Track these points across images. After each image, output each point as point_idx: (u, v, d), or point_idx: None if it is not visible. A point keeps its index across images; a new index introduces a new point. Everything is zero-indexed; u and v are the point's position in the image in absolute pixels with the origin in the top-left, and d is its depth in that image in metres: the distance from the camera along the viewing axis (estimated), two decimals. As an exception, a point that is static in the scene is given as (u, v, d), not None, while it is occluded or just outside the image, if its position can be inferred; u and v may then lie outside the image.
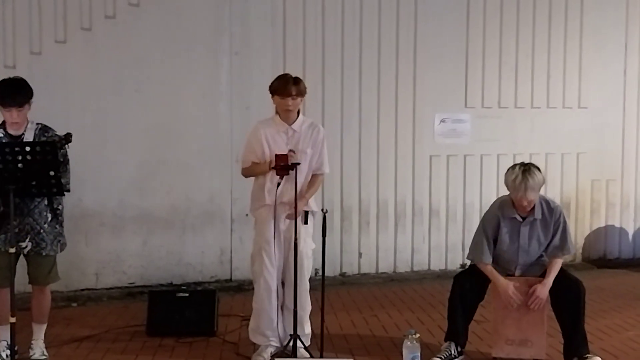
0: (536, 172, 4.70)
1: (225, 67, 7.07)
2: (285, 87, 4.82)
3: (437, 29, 7.54)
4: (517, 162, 4.95)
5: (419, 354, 4.65)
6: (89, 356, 5.12)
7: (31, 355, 4.84)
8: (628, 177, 8.21)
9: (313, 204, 5.02)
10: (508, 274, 4.91)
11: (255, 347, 5.05)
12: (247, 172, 5.01)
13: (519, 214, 4.81)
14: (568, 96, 7.97)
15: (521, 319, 4.86)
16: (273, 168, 4.72)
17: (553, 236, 4.86)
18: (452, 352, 4.87)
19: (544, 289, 4.77)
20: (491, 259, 4.87)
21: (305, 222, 4.92)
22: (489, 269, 4.86)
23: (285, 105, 4.81)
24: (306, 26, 7.27)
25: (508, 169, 4.81)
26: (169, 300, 5.61)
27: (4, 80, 4.67)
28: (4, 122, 4.68)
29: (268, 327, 4.94)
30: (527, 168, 4.70)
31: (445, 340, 4.96)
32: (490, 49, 7.73)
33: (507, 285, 4.81)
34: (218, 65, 7.06)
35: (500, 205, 4.90)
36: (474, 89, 7.72)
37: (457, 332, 4.91)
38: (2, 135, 4.64)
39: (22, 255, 4.71)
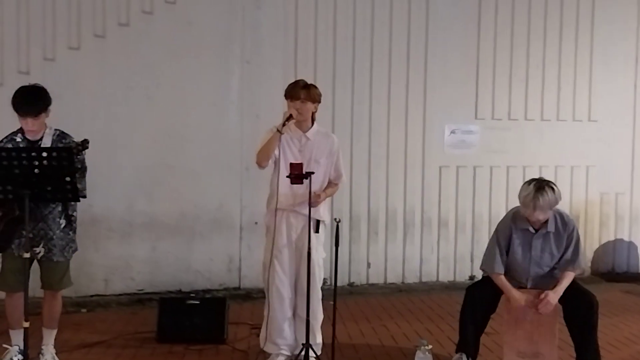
0: (549, 192, 4.63)
1: (236, 75, 7.10)
2: (294, 90, 4.85)
3: (448, 39, 7.56)
4: (527, 174, 4.96)
5: (431, 365, 4.64)
6: (99, 362, 5.13)
7: (42, 361, 4.84)
8: (637, 190, 8.19)
9: (325, 213, 5.02)
10: (520, 286, 4.90)
11: (266, 355, 5.04)
12: (260, 154, 4.81)
13: (532, 227, 4.81)
14: (578, 109, 7.97)
15: (533, 332, 4.84)
16: (288, 177, 4.72)
17: (565, 250, 4.85)
18: (464, 361, 4.87)
19: (555, 295, 4.75)
20: (504, 270, 4.86)
21: (317, 231, 4.92)
22: (502, 280, 4.85)
23: (294, 108, 4.81)
24: (317, 35, 7.30)
25: (524, 183, 4.79)
26: (179, 307, 5.61)
27: (21, 88, 4.66)
28: (22, 127, 4.69)
29: (279, 335, 4.94)
30: (541, 186, 4.64)
31: (457, 352, 4.94)
32: (500, 61, 7.74)
33: (519, 297, 4.80)
34: (229, 74, 7.08)
35: (514, 216, 4.90)
36: (484, 100, 7.74)
37: (468, 344, 4.90)
38: (20, 140, 4.66)
39: (35, 260, 4.71)
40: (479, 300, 4.87)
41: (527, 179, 4.91)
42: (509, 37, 7.75)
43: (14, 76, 6.37)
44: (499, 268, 4.85)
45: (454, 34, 7.59)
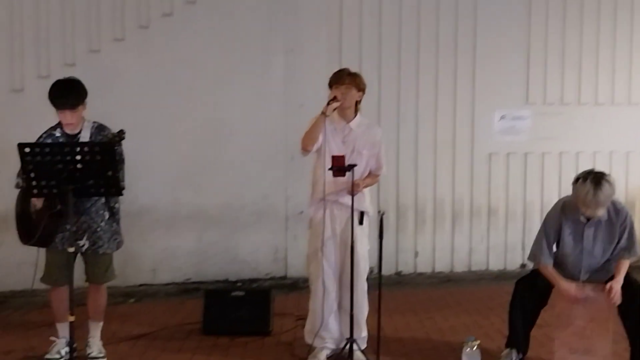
0: (606, 185, 4.43)
1: (280, 64, 7.03)
2: (339, 76, 4.77)
3: (497, 22, 7.36)
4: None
5: (479, 361, 4.53)
6: (145, 354, 5.14)
7: (89, 354, 4.88)
8: (696, 176, 7.88)
9: (369, 205, 4.93)
10: (573, 279, 4.73)
11: (310, 348, 4.99)
12: (305, 137, 4.75)
13: (583, 216, 4.63)
14: (634, 92, 7.68)
15: (585, 328, 4.68)
16: (329, 169, 4.64)
17: (620, 238, 4.67)
18: (514, 359, 4.73)
19: (617, 284, 4.58)
20: (552, 261, 4.70)
21: (361, 223, 4.84)
22: (550, 271, 4.70)
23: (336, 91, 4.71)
24: (362, 22, 7.17)
25: (579, 179, 4.53)
26: (224, 300, 5.60)
27: (57, 82, 4.65)
28: (60, 121, 4.69)
29: (324, 328, 4.87)
30: (598, 181, 4.42)
31: (506, 347, 4.82)
32: (552, 43, 7.51)
33: (568, 287, 4.64)
34: (272, 63, 7.03)
35: (564, 206, 4.72)
36: (536, 84, 7.52)
37: (517, 339, 4.77)
38: (59, 135, 4.67)
39: (79, 254, 4.74)
40: (529, 293, 4.73)
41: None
42: (561, 19, 7.51)
43: (61, 68, 6.41)
44: (546, 259, 4.69)
45: (503, 16, 7.38)
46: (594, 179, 4.45)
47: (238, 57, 6.90)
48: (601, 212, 4.52)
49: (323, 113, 4.65)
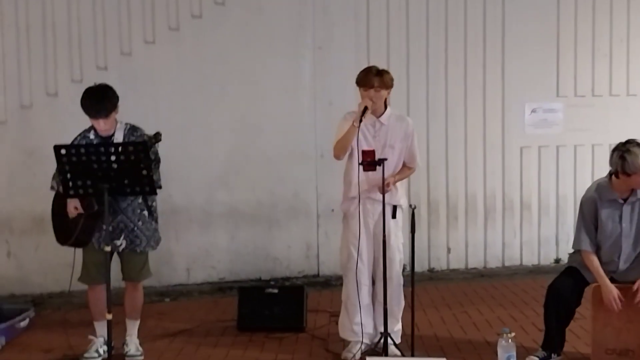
0: None
1: (309, 62, 7.06)
2: (367, 77, 4.75)
3: (526, 14, 7.31)
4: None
5: (514, 354, 4.49)
6: (183, 350, 5.20)
7: (126, 352, 4.95)
8: None
9: (402, 198, 4.93)
10: (611, 270, 4.65)
11: (345, 343, 5.01)
12: (337, 147, 4.79)
13: (620, 196, 4.57)
14: (667, 82, 7.59)
15: (621, 328, 4.60)
16: (360, 164, 4.65)
17: None
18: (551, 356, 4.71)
19: None
20: (594, 248, 4.61)
21: (394, 217, 4.84)
22: (595, 265, 4.58)
23: (367, 97, 4.72)
24: (390, 18, 7.17)
25: (621, 149, 4.49)
26: (258, 297, 5.65)
27: (88, 90, 4.68)
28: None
29: (358, 323, 4.88)
30: (638, 144, 4.44)
31: (542, 348, 4.77)
32: (582, 34, 7.44)
33: (611, 288, 4.52)
34: (301, 61, 7.06)
35: (598, 188, 4.64)
36: (566, 76, 7.45)
37: (553, 341, 4.72)
38: (93, 138, 4.73)
39: (115, 253, 4.80)
40: (562, 295, 4.64)
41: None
42: (591, 9, 7.44)
43: (93, 72, 6.51)
44: (586, 245, 4.61)
45: (531, 7, 7.33)
46: (636, 144, 4.45)
47: (267, 55, 6.94)
48: None
49: (354, 124, 4.64)
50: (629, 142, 4.52)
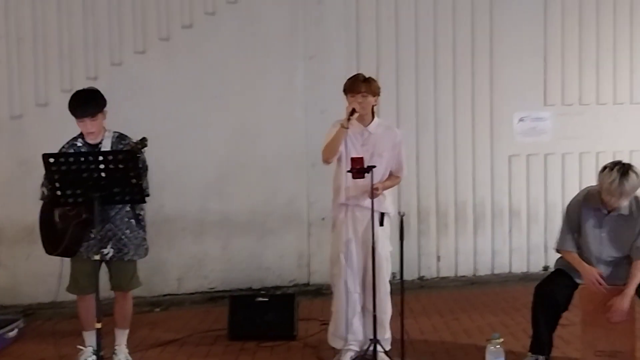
0: (633, 176, 4.44)
1: (300, 71, 7.10)
2: (354, 84, 4.81)
3: (514, 24, 7.38)
4: (601, 160, 4.81)
5: (503, 359, 4.52)
6: (173, 360, 5.21)
7: (115, 361, 4.95)
8: None
9: (390, 206, 4.96)
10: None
11: (335, 351, 5.03)
12: (326, 150, 4.81)
13: (605, 208, 4.64)
14: (653, 90, 7.68)
15: (611, 330, 4.64)
16: (349, 171, 4.69)
17: (638, 235, 4.62)
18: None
19: (623, 301, 4.52)
20: (576, 249, 4.70)
21: (381, 224, 4.87)
22: (573, 256, 4.69)
23: (355, 102, 4.76)
24: (379, 27, 7.23)
25: (605, 168, 4.54)
26: (249, 305, 5.66)
27: (76, 92, 4.75)
28: (82, 132, 4.77)
29: (348, 331, 4.91)
30: (625, 171, 4.43)
31: (530, 351, 4.81)
32: (569, 44, 7.51)
33: (591, 270, 4.60)
34: (293, 70, 7.09)
35: (587, 195, 4.71)
36: (554, 85, 7.52)
37: (541, 344, 4.75)
38: (81, 145, 4.75)
39: (103, 263, 4.78)
40: (549, 297, 4.69)
41: (601, 165, 4.71)
42: (577, 19, 7.51)
43: (83, 82, 6.45)
44: (569, 245, 4.70)
45: (519, 18, 7.40)
46: (620, 168, 4.46)
47: (260, 65, 6.97)
48: (624, 203, 4.51)
49: (342, 126, 4.69)
50: (624, 165, 4.52)
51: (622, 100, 7.63)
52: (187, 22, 6.88)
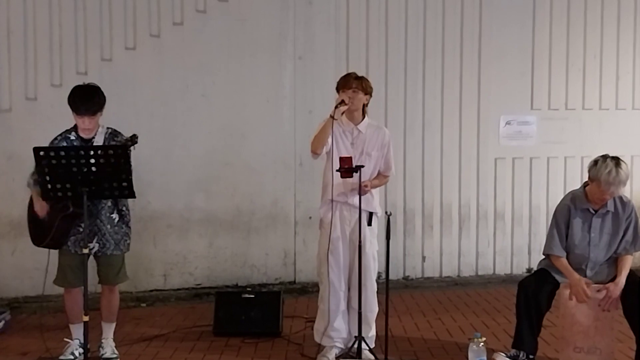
0: (623, 165, 4.64)
1: (289, 71, 7.14)
2: (346, 80, 4.88)
3: (502, 28, 7.46)
4: (585, 164, 4.90)
5: (485, 358, 4.60)
6: (158, 355, 5.23)
7: (102, 354, 4.98)
8: (702, 179, 7.92)
9: (377, 206, 5.02)
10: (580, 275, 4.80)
11: (319, 348, 5.08)
12: (314, 141, 4.82)
13: (592, 207, 4.74)
14: (638, 97, 7.76)
15: (589, 327, 4.75)
16: (337, 170, 4.74)
17: (625, 231, 4.79)
18: (521, 356, 4.81)
19: (616, 288, 4.67)
20: (564, 253, 4.80)
21: (369, 224, 4.93)
22: (563, 263, 4.78)
23: (345, 96, 4.81)
24: (369, 29, 7.28)
25: (597, 161, 4.66)
26: (235, 301, 5.70)
27: (78, 87, 4.77)
28: (75, 125, 4.80)
29: (333, 328, 4.96)
30: (617, 161, 4.61)
31: (512, 347, 4.89)
32: (557, 50, 7.59)
33: (579, 280, 4.71)
34: (282, 70, 7.13)
35: (573, 197, 4.85)
36: (541, 90, 7.60)
37: (523, 340, 4.83)
38: (74, 139, 4.78)
39: (92, 256, 4.82)
40: (532, 295, 4.79)
41: (586, 169, 4.83)
42: (565, 25, 7.59)
43: (73, 77, 6.53)
44: (558, 250, 4.80)
45: (508, 23, 7.48)
46: (612, 159, 4.62)
47: (249, 64, 7.01)
48: (619, 192, 4.64)
49: (331, 116, 4.75)
50: (613, 157, 4.67)
51: (608, 106, 7.73)
52: (178, 19, 6.90)
